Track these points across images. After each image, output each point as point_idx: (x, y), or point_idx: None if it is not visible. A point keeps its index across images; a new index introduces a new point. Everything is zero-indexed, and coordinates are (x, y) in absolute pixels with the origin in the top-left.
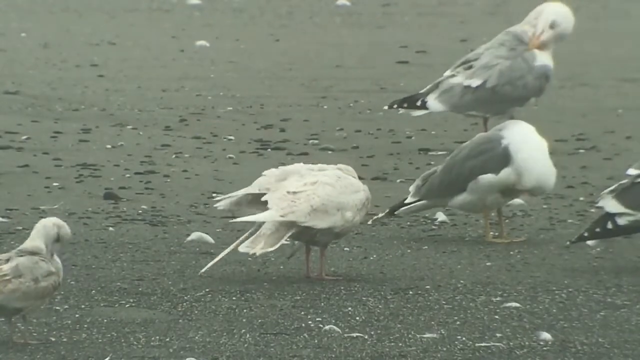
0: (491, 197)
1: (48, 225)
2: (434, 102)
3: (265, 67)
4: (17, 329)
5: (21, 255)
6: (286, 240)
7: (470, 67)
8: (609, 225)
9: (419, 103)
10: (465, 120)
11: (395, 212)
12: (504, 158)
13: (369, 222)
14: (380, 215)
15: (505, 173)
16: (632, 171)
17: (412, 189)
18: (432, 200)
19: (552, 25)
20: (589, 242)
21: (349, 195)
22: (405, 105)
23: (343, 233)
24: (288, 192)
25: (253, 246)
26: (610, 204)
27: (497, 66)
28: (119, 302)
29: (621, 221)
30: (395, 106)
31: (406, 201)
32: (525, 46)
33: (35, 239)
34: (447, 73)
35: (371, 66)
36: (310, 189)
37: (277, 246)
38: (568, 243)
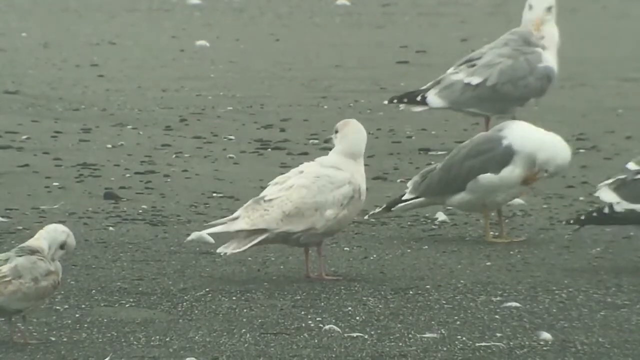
0: (490, 196)
1: (58, 230)
2: (433, 98)
3: (265, 67)
4: (17, 328)
5: (20, 255)
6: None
7: (473, 66)
8: (606, 210)
9: (419, 98)
10: (465, 119)
11: (392, 209)
12: (505, 157)
13: (365, 217)
14: (376, 210)
15: (506, 172)
16: (631, 165)
17: (410, 185)
18: (430, 198)
19: (549, 10)
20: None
21: (329, 194)
22: (405, 100)
23: (331, 231)
24: (264, 201)
25: (227, 246)
26: (608, 195)
27: (498, 65)
28: (119, 302)
29: (618, 208)
30: (395, 101)
31: (404, 197)
32: (532, 48)
33: (41, 239)
34: (450, 71)
35: (371, 66)
36: (285, 195)
37: (245, 248)
38: (564, 223)
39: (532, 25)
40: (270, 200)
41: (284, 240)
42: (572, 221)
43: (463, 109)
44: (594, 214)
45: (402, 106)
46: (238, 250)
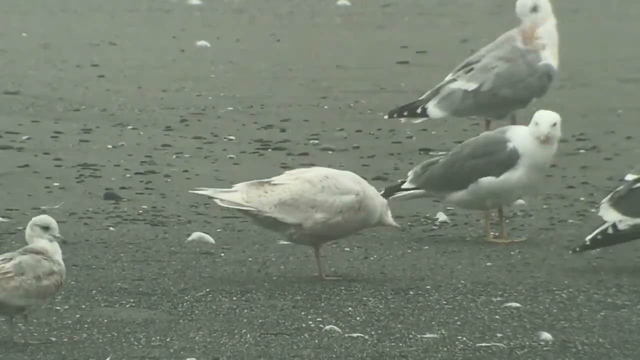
0: (490, 199)
1: (35, 220)
2: (434, 109)
3: (266, 67)
4: (17, 329)
5: (24, 254)
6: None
7: (471, 70)
8: (610, 231)
9: (419, 111)
10: (465, 120)
11: (390, 197)
12: (509, 160)
13: None
14: None
15: (507, 175)
16: (630, 177)
17: (410, 174)
18: (429, 191)
19: (534, 10)
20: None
21: (329, 196)
22: (406, 114)
23: (320, 235)
24: (270, 184)
25: (221, 199)
26: (609, 214)
27: (495, 69)
28: (119, 302)
29: (621, 226)
30: (395, 115)
31: (403, 186)
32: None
33: (39, 240)
34: (449, 77)
35: (371, 66)
36: (289, 183)
37: (236, 208)
38: (570, 252)
39: (523, 37)
40: (275, 184)
41: (274, 228)
42: (577, 249)
43: (464, 117)
44: (599, 237)
45: (402, 120)
46: (230, 206)
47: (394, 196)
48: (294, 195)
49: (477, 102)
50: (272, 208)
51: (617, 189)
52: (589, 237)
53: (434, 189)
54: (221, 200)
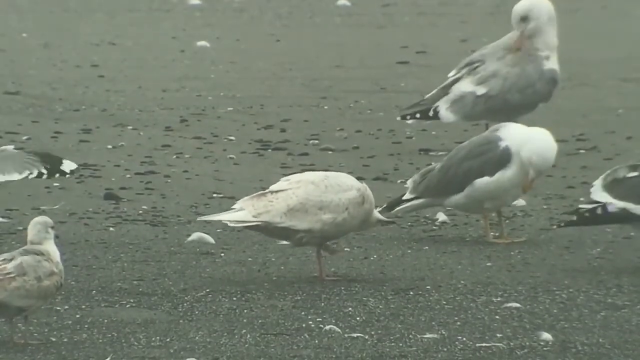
0: (488, 200)
1: (40, 219)
2: (446, 113)
3: (266, 67)
4: (17, 329)
5: (25, 254)
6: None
7: (475, 69)
8: (598, 211)
9: (431, 113)
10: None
11: (393, 211)
12: (502, 159)
13: None
14: (378, 210)
15: (501, 174)
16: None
17: (409, 184)
18: (429, 199)
19: (524, 20)
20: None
21: (334, 195)
22: (418, 116)
23: (329, 235)
24: (271, 192)
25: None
26: (599, 195)
27: (505, 74)
28: (119, 303)
29: (611, 208)
30: (408, 117)
31: (404, 197)
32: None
33: (46, 243)
34: (452, 74)
35: (371, 66)
36: (292, 188)
37: (248, 225)
38: (555, 227)
39: (514, 45)
40: (276, 192)
41: (284, 237)
42: (563, 224)
43: (475, 121)
44: (586, 215)
45: (411, 121)
46: (241, 225)
47: (397, 209)
48: (300, 199)
49: (488, 108)
50: (283, 217)
51: (608, 172)
52: (577, 214)
53: (433, 195)
54: (230, 221)
